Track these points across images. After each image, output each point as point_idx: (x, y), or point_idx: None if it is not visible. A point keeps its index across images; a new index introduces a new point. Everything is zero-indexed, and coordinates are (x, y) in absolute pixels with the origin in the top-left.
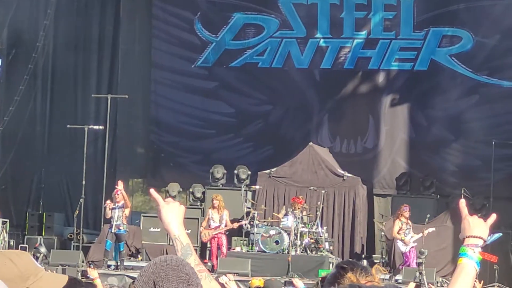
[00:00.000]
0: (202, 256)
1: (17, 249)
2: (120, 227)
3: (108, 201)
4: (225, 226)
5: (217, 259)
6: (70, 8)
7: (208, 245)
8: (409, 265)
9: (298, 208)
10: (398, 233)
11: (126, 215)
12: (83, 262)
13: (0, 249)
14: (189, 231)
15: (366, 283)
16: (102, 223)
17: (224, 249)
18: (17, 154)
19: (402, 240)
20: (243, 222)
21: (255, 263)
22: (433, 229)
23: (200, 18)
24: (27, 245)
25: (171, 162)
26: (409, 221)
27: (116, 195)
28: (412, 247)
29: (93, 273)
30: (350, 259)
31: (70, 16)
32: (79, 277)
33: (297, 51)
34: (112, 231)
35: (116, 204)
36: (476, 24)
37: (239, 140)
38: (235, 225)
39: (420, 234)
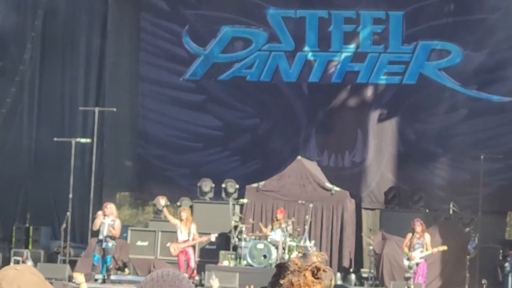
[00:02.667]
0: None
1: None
2: (109, 243)
3: (100, 212)
4: (193, 239)
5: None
6: (57, 21)
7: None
8: (414, 280)
9: (280, 220)
10: (405, 246)
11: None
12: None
13: None
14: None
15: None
16: (89, 237)
17: (192, 263)
18: (3, 167)
19: (406, 255)
20: (212, 236)
21: (243, 277)
22: (445, 247)
23: (188, 31)
24: (20, 258)
25: (159, 175)
26: (425, 235)
27: (106, 208)
28: (419, 263)
29: (79, 277)
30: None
31: (57, 29)
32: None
33: (285, 64)
34: (102, 246)
35: (106, 218)
36: (465, 38)
37: (227, 153)
38: (204, 238)
39: (430, 251)
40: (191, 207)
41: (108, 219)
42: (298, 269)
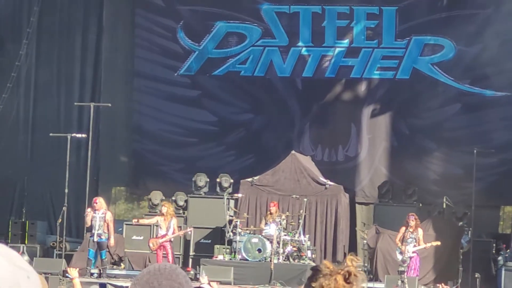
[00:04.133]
0: (184, 265)
1: None
2: (102, 236)
3: (89, 209)
4: (173, 233)
5: None
6: (53, 17)
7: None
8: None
9: (275, 213)
10: (399, 240)
11: (108, 223)
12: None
13: None
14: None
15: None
16: (85, 231)
17: (170, 257)
18: None
19: (399, 248)
20: (188, 230)
21: (237, 271)
22: (438, 243)
23: (182, 26)
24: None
25: (154, 170)
26: (418, 230)
27: (95, 204)
28: (412, 257)
29: (72, 272)
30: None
31: (53, 25)
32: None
33: (279, 59)
34: (94, 240)
35: (96, 212)
36: (458, 33)
37: (221, 148)
38: (181, 232)
39: (423, 245)
40: (186, 201)
41: (99, 213)
42: (330, 273)
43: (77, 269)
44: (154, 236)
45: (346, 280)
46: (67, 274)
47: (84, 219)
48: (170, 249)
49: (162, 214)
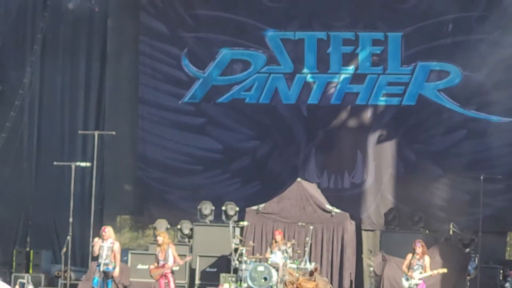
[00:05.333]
0: None
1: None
2: (109, 265)
3: (96, 239)
4: (174, 261)
5: None
6: (56, 45)
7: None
8: None
9: (280, 241)
10: (405, 267)
11: (117, 258)
12: None
13: None
14: (177, 268)
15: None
16: (90, 261)
17: (172, 285)
18: (3, 191)
19: (406, 275)
20: (187, 258)
21: None
22: (445, 270)
23: (187, 54)
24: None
25: (159, 198)
26: (424, 257)
27: (104, 233)
28: (418, 284)
29: None
30: None
31: (56, 53)
32: None
33: (284, 86)
34: (101, 269)
35: (104, 241)
36: (464, 59)
37: (227, 176)
38: (181, 262)
39: (429, 273)
40: (191, 229)
41: (107, 243)
42: (290, 274)
43: None
44: (155, 265)
45: (310, 276)
46: None
47: (90, 248)
48: (171, 277)
49: (159, 245)
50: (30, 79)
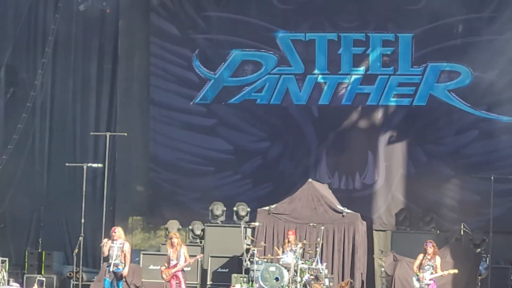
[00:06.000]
0: None
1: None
2: (119, 266)
3: (105, 240)
4: (184, 261)
5: None
6: (68, 47)
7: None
8: None
9: (293, 242)
10: (416, 267)
11: (126, 254)
12: None
13: None
14: (189, 269)
15: None
16: (102, 261)
17: (183, 286)
18: (16, 193)
19: (417, 275)
20: (198, 257)
21: None
22: (455, 271)
23: (198, 55)
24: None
25: (170, 199)
26: (436, 258)
27: (114, 233)
28: (429, 284)
29: None
30: None
31: (68, 54)
32: None
33: (295, 87)
34: (111, 269)
35: (114, 242)
36: (475, 59)
37: (238, 177)
38: (191, 260)
39: (440, 273)
40: (202, 230)
41: (117, 243)
42: None
43: None
44: (166, 266)
45: None
46: None
47: (101, 249)
48: (182, 277)
49: (173, 246)
50: (42, 81)
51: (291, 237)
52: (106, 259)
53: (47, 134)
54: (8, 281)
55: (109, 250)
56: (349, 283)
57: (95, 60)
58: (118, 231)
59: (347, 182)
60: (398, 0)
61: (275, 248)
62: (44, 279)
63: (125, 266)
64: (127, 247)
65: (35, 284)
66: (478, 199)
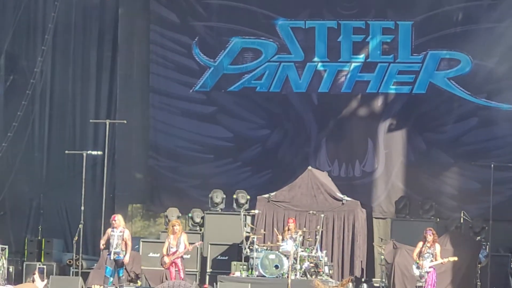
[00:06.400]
0: (201, 282)
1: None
2: (120, 254)
3: (109, 229)
4: (184, 248)
5: None
6: (68, 34)
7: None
8: None
9: (292, 230)
10: (416, 255)
11: (126, 241)
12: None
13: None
14: (188, 256)
15: None
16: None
17: (182, 273)
18: (15, 180)
19: (416, 263)
20: (197, 244)
21: None
22: (455, 258)
23: (198, 43)
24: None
25: (170, 187)
26: (435, 245)
27: (114, 221)
28: (429, 272)
29: None
30: None
31: (68, 42)
32: None
33: (295, 75)
34: (112, 257)
35: (115, 230)
36: (474, 47)
37: (237, 164)
38: (190, 247)
39: (440, 261)
40: (202, 218)
41: (117, 231)
42: (318, 285)
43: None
44: (166, 253)
45: None
46: None
47: (101, 236)
48: (181, 265)
49: (175, 233)
50: (41, 68)
51: (291, 225)
52: (107, 246)
53: (47, 122)
54: (8, 268)
55: (109, 239)
56: (350, 280)
57: (95, 48)
58: (118, 219)
59: (347, 170)
60: None
61: (275, 230)
62: (44, 266)
63: (126, 253)
64: (127, 235)
65: (36, 272)
66: (478, 187)
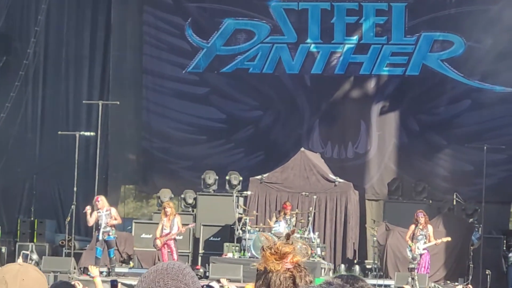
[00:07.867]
0: (194, 263)
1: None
2: (110, 233)
3: (88, 207)
4: (177, 230)
5: None
6: (61, 15)
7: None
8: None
9: (287, 214)
10: (408, 238)
11: (113, 223)
12: (74, 269)
13: None
14: (181, 237)
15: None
16: (94, 230)
17: (175, 255)
18: (8, 161)
19: (410, 246)
20: (190, 225)
21: (247, 269)
22: (448, 238)
23: (191, 24)
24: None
25: (163, 168)
26: (428, 227)
27: (97, 202)
28: (422, 254)
29: (94, 271)
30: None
31: (61, 23)
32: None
33: (288, 56)
34: (100, 238)
35: (100, 211)
36: (468, 29)
37: (230, 146)
38: (183, 229)
39: (433, 242)
40: (195, 199)
41: (103, 211)
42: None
43: (98, 267)
44: (159, 234)
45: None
46: (88, 273)
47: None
48: (174, 247)
49: (166, 215)
50: (35, 49)
51: (287, 211)
52: (97, 227)
53: (40, 103)
54: (0, 249)
55: (98, 220)
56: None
57: (88, 29)
58: (101, 200)
59: (340, 151)
60: None
61: (268, 220)
62: (28, 252)
63: (117, 223)
64: (114, 212)
65: (20, 257)
66: (471, 169)
